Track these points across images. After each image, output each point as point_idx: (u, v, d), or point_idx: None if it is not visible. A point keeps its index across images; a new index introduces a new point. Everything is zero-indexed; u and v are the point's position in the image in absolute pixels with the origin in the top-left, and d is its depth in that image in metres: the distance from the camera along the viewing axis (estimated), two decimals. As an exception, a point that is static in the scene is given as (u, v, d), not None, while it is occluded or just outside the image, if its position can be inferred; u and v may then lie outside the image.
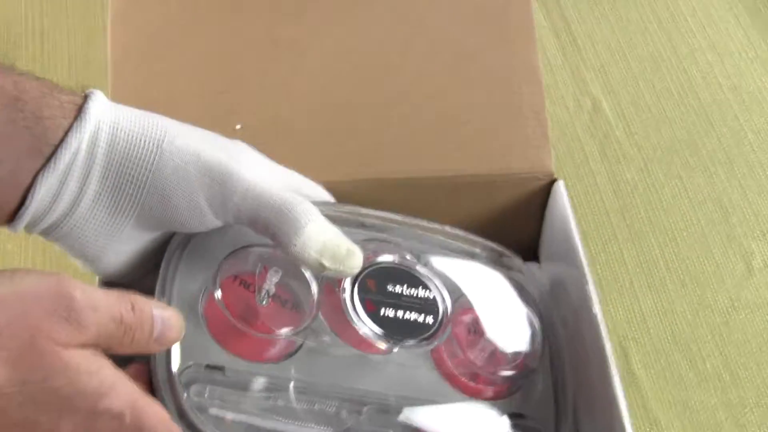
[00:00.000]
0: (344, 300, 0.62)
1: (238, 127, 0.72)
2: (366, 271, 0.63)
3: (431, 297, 0.64)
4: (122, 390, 0.50)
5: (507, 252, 0.69)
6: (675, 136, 0.95)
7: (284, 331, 0.61)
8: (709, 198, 0.90)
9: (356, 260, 0.58)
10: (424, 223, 0.68)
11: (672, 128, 0.96)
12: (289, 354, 0.61)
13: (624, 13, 0.99)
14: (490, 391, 0.63)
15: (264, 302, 0.61)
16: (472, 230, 0.71)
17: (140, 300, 0.51)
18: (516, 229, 0.73)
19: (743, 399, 0.76)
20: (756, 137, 0.95)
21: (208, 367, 0.60)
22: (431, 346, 0.62)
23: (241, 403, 0.60)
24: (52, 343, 0.47)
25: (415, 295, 0.64)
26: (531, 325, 0.66)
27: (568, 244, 0.67)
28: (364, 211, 0.67)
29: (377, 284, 0.63)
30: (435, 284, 0.64)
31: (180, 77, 0.71)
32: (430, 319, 0.63)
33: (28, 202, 0.53)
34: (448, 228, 0.68)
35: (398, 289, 0.64)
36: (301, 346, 0.62)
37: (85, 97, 0.55)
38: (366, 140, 0.72)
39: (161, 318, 0.52)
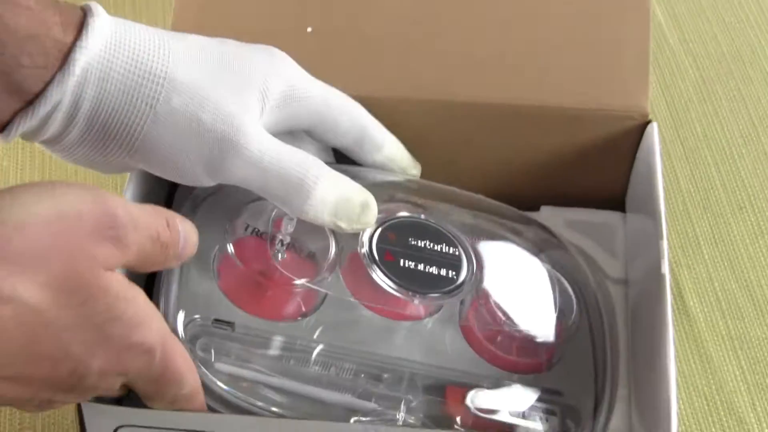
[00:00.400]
0: (362, 252, 0.63)
1: (309, 30, 0.71)
2: (387, 223, 0.64)
3: (456, 253, 0.65)
4: (155, 323, 0.51)
5: (547, 228, 0.70)
6: (734, 45, 0.93)
7: (302, 281, 0.62)
8: (770, 114, 0.89)
9: (371, 215, 0.60)
10: (463, 192, 0.69)
11: (730, 36, 0.94)
12: (305, 314, 0.63)
13: None
14: (523, 364, 0.64)
15: (280, 254, 0.62)
16: (554, 168, 0.72)
17: (171, 215, 0.52)
18: (602, 172, 0.73)
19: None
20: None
21: (217, 321, 0.61)
22: (454, 299, 0.63)
23: (251, 360, 0.61)
24: (94, 264, 0.47)
25: (438, 250, 0.65)
26: (570, 295, 0.67)
27: (649, 194, 0.66)
28: (399, 181, 0.69)
29: (398, 236, 0.65)
30: (460, 242, 0.65)
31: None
32: (453, 274, 0.64)
33: (6, 133, 0.54)
34: (488, 200, 0.70)
35: (421, 243, 0.65)
36: (317, 307, 0.63)
37: (80, 29, 0.53)
38: (444, 58, 0.71)
39: (184, 232, 0.53)
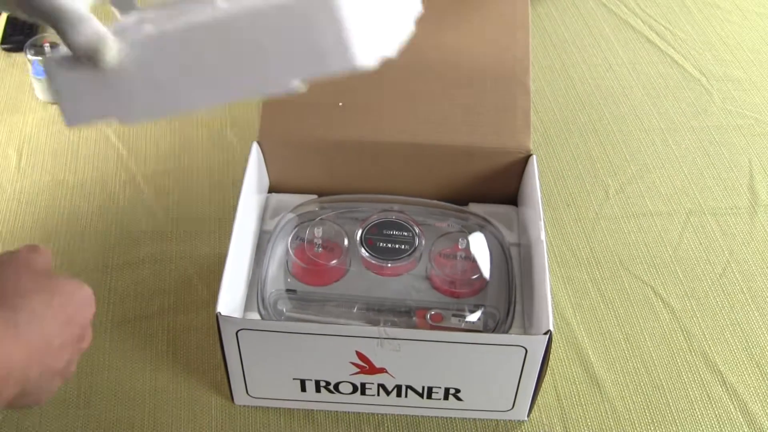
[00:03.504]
0: (358, 240, 0.80)
1: (340, 104, 0.86)
2: (372, 223, 0.81)
3: (409, 235, 0.82)
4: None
5: (474, 212, 0.84)
6: (564, 111, 1.21)
7: (332, 263, 0.80)
8: (583, 153, 1.16)
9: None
10: (419, 199, 0.85)
11: (561, 107, 1.23)
12: (335, 281, 0.81)
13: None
14: (461, 293, 0.80)
15: (317, 249, 0.81)
16: (477, 181, 0.85)
17: None
18: (503, 185, 0.89)
19: (603, 274, 0.97)
20: (611, 114, 1.22)
21: (288, 290, 0.79)
22: (406, 262, 0.80)
23: (308, 309, 0.78)
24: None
25: (400, 234, 0.81)
26: (489, 252, 0.81)
27: (532, 196, 0.82)
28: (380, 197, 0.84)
29: (378, 229, 0.82)
30: (414, 228, 0.81)
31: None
32: (407, 247, 0.80)
33: None
34: (435, 201, 0.85)
35: (391, 232, 0.81)
36: (341, 277, 0.80)
37: None
38: (414, 118, 0.83)
39: None
